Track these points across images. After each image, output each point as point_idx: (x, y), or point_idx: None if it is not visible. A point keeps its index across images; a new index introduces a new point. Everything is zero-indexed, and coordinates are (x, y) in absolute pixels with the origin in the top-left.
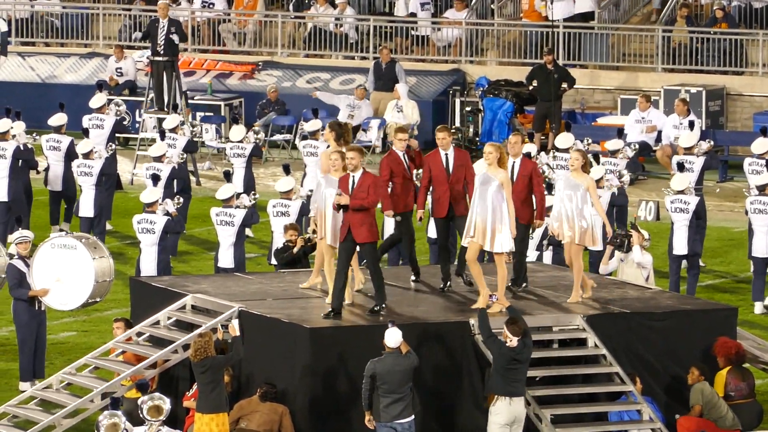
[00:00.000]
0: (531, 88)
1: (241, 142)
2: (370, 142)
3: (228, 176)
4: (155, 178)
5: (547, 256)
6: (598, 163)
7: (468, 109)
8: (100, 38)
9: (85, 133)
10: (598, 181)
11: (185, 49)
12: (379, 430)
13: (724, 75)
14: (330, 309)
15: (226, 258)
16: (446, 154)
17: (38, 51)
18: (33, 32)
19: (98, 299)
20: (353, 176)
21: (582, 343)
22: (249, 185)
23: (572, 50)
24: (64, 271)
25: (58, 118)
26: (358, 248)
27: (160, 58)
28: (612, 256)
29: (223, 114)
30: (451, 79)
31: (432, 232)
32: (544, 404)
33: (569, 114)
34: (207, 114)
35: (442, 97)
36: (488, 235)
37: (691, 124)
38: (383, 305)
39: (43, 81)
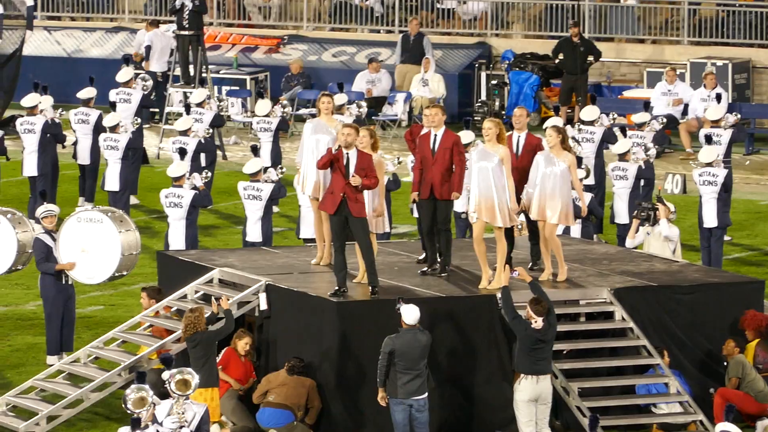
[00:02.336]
0: (557, 61)
1: (267, 116)
2: (396, 115)
3: (255, 150)
4: (182, 152)
5: (576, 230)
6: (625, 136)
7: (494, 82)
8: (126, 12)
9: (113, 106)
10: (624, 155)
11: (210, 23)
12: (394, 407)
13: (750, 48)
14: (336, 287)
15: (253, 232)
16: (435, 135)
17: (64, 25)
18: (59, 6)
19: (125, 272)
20: (347, 153)
21: (609, 316)
22: (276, 159)
23: (598, 23)
24: (91, 244)
25: (87, 92)
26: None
27: (186, 33)
28: (638, 229)
29: (248, 88)
30: (477, 53)
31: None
32: (572, 377)
33: (595, 87)
34: (233, 88)
35: (467, 70)
36: (496, 212)
37: (719, 97)
38: (376, 287)
39: (69, 55)
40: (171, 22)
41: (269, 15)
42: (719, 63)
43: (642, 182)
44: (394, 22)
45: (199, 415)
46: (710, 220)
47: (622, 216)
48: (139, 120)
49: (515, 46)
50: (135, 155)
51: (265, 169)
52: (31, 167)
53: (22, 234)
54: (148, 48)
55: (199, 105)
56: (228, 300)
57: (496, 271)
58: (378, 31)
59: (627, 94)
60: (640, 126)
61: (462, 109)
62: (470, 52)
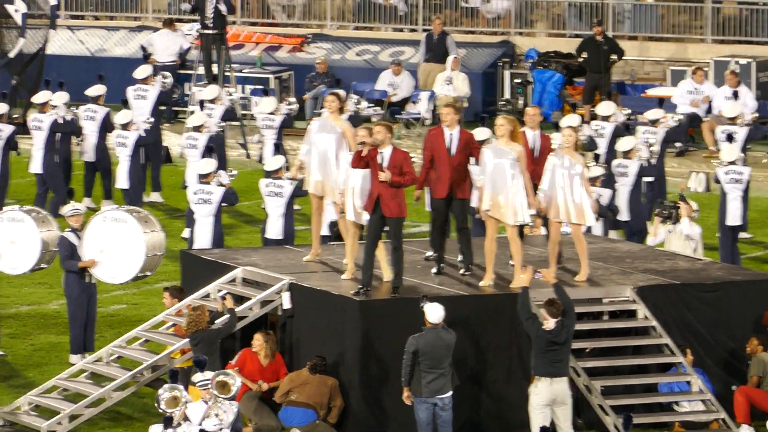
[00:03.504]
0: (580, 59)
1: (272, 113)
2: (419, 114)
3: (277, 148)
4: (209, 150)
5: (598, 228)
6: (628, 131)
7: (517, 81)
8: (150, 11)
9: (125, 104)
10: (629, 152)
11: (234, 22)
12: (417, 405)
13: None
14: (359, 286)
15: (275, 229)
16: (450, 134)
17: (88, 24)
18: (82, 5)
19: (149, 273)
20: (381, 152)
21: (632, 314)
22: None
23: (621, 22)
24: (115, 244)
25: (96, 89)
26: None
27: (209, 32)
28: (672, 226)
29: (272, 87)
30: (501, 51)
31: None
32: (594, 376)
33: (619, 85)
34: (256, 87)
35: (491, 69)
36: (503, 209)
37: (735, 94)
38: (398, 287)
39: (93, 54)
40: (195, 21)
41: (293, 14)
42: (743, 61)
43: (653, 179)
44: (417, 21)
45: (234, 414)
46: (735, 218)
47: (622, 213)
48: (152, 119)
49: (539, 45)
50: (154, 153)
51: (288, 168)
52: (36, 165)
53: (46, 233)
54: (143, 48)
55: (212, 101)
56: (232, 298)
57: (515, 270)
58: (401, 30)
59: (650, 92)
60: (653, 123)
61: (486, 108)
62: (494, 51)
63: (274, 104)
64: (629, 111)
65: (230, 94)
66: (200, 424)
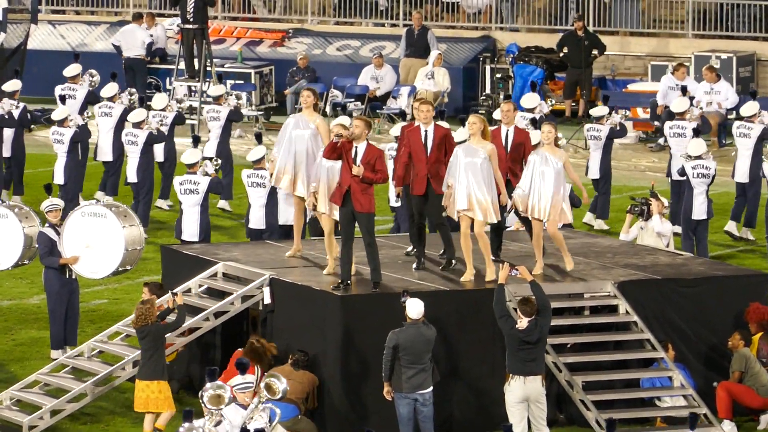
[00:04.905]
0: (561, 54)
1: (163, 110)
2: (400, 109)
3: (259, 138)
4: (195, 140)
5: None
6: (536, 127)
7: (498, 76)
8: (131, 6)
9: (62, 100)
10: (536, 146)
11: (215, 17)
12: (398, 401)
13: (755, 41)
14: (339, 281)
15: (257, 219)
16: (426, 130)
17: (68, 19)
18: (63, 0)
19: (128, 267)
20: (356, 146)
21: (613, 309)
22: (169, 154)
23: (602, 16)
24: (95, 239)
25: (12, 84)
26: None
27: (191, 26)
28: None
29: (253, 82)
30: (482, 46)
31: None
32: (576, 371)
33: (600, 80)
34: (237, 82)
35: (472, 64)
36: (477, 207)
37: (683, 89)
38: (378, 282)
39: (74, 49)
40: (175, 15)
41: (274, 9)
42: (724, 56)
43: (598, 177)
44: (398, 16)
45: (277, 416)
46: (701, 212)
47: None
48: (88, 114)
49: (519, 40)
50: (85, 150)
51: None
52: None
53: (29, 228)
54: (115, 46)
55: (110, 99)
56: (182, 296)
57: (487, 264)
58: (382, 25)
59: (631, 87)
60: (598, 119)
61: (467, 103)
62: (475, 46)
63: (166, 101)
64: (554, 101)
65: (131, 94)
66: (246, 426)
